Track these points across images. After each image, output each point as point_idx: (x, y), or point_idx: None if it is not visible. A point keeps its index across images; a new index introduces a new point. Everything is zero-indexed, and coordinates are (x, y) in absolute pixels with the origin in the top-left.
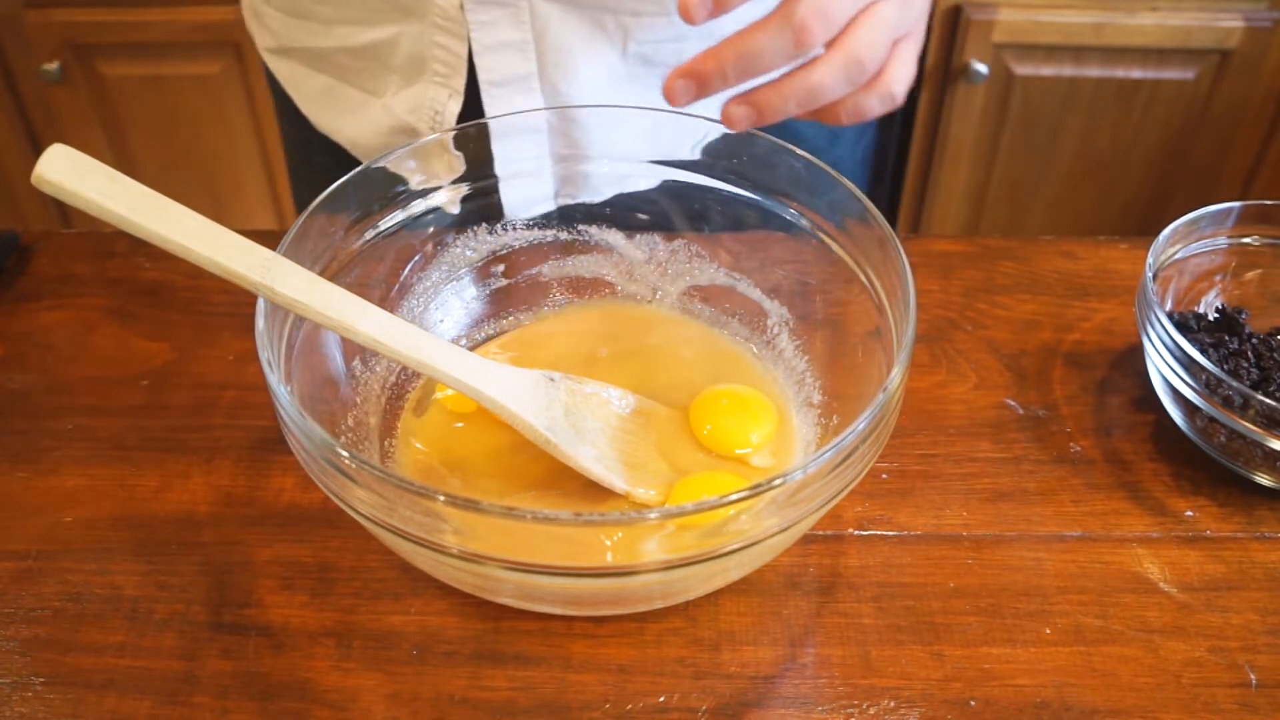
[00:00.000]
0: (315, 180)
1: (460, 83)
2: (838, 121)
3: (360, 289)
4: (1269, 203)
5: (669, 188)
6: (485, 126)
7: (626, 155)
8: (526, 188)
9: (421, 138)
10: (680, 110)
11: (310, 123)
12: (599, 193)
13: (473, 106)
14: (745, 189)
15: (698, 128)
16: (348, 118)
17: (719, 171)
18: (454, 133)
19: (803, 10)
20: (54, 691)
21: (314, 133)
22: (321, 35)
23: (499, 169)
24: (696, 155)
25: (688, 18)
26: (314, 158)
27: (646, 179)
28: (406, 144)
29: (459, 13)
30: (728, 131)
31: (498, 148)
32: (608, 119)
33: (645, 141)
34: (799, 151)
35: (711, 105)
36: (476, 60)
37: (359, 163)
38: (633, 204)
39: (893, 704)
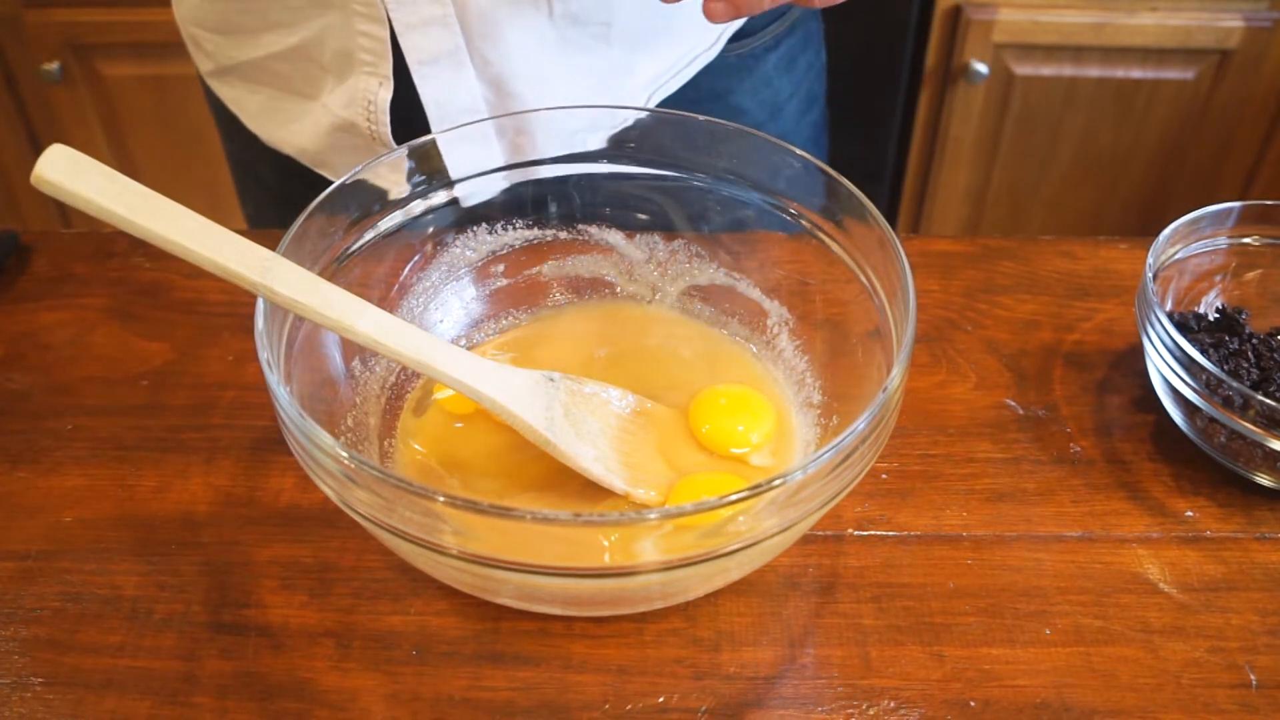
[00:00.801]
0: (263, 197)
1: (388, 68)
2: (811, 5)
3: (360, 289)
4: (1269, 203)
5: (661, 186)
6: (418, 107)
7: (570, 144)
8: (479, 184)
9: (360, 131)
10: (607, 105)
11: (255, 140)
12: (544, 172)
13: (404, 90)
14: (745, 189)
15: (619, 116)
16: (292, 126)
17: (625, 157)
18: (407, 148)
19: None
20: (54, 691)
21: (260, 149)
22: (252, 46)
23: (453, 174)
24: (603, 144)
25: (712, 18)
26: (261, 174)
27: (559, 167)
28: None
29: None
30: (641, 118)
31: (449, 158)
32: (550, 110)
33: (570, 128)
34: (798, 151)
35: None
36: (401, 41)
37: (306, 173)
38: (632, 204)
39: (892, 704)
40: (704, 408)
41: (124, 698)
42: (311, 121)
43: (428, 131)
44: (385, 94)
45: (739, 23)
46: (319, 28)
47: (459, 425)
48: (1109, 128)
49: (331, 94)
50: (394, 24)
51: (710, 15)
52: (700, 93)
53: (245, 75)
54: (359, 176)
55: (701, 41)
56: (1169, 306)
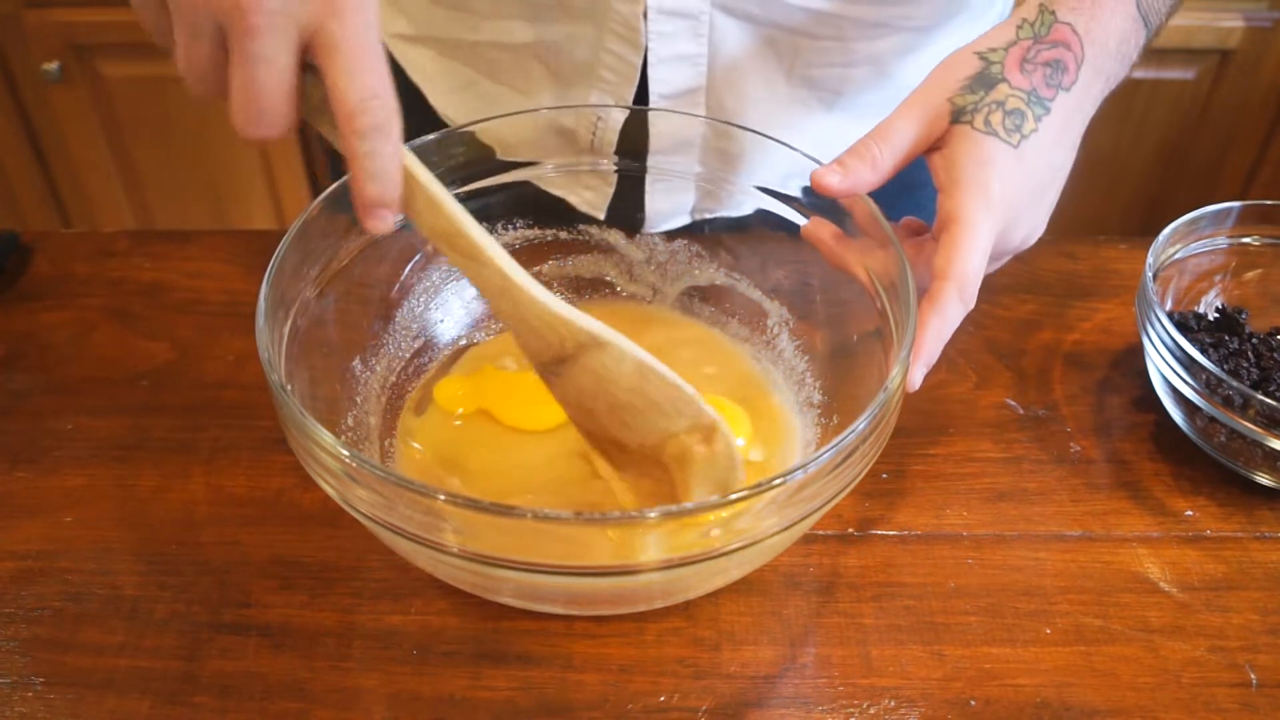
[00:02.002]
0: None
1: (629, 92)
2: None
3: (360, 288)
4: (1269, 203)
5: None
6: (646, 130)
7: (764, 180)
8: (671, 195)
9: (579, 140)
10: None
11: (435, 114)
12: (740, 207)
13: (633, 116)
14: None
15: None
16: (491, 114)
17: (810, 205)
18: (613, 120)
19: (971, 287)
20: (54, 691)
21: (438, 124)
22: (473, 29)
23: (650, 172)
24: (797, 192)
25: (823, 189)
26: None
27: (753, 202)
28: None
29: (639, 22)
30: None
31: (655, 150)
32: (762, 143)
33: (778, 170)
34: (800, 151)
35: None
36: (650, 71)
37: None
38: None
39: (893, 704)
40: None
41: (124, 697)
42: (519, 116)
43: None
44: (620, 115)
45: None
46: (563, 34)
47: (459, 425)
48: (1109, 128)
49: (551, 98)
50: (649, 53)
51: (913, 386)
52: None
53: (448, 51)
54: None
55: None
56: (1169, 306)
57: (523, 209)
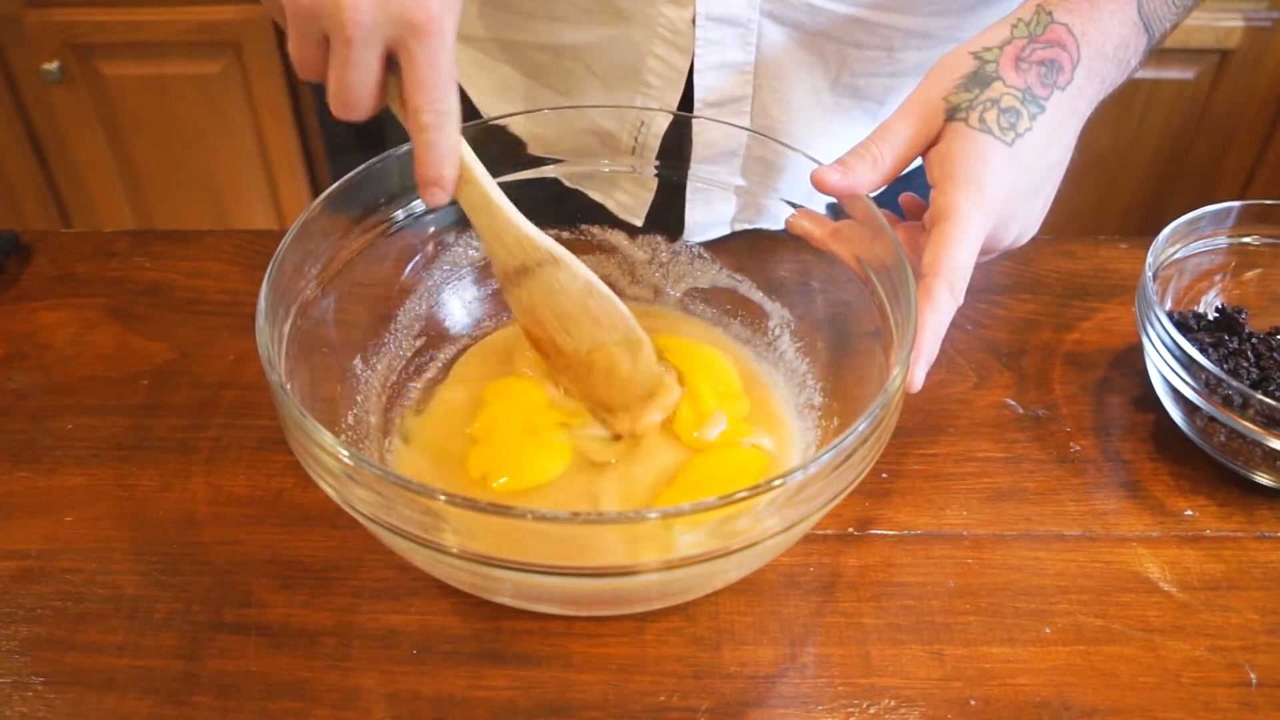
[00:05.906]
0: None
1: (674, 98)
2: None
3: (361, 288)
4: (1269, 202)
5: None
6: (688, 137)
7: (800, 196)
8: (712, 205)
9: (620, 144)
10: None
11: (475, 109)
12: (778, 220)
13: (675, 123)
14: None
15: None
16: (530, 112)
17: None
18: (657, 125)
19: (961, 282)
20: (54, 691)
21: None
22: (517, 28)
23: (691, 181)
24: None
25: (824, 187)
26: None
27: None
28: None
29: (688, 27)
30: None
31: (697, 159)
32: (806, 161)
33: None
34: (800, 152)
35: None
36: (697, 78)
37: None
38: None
39: (893, 703)
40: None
41: (124, 697)
42: (559, 116)
43: (670, 154)
44: (663, 120)
45: None
46: (608, 37)
47: (459, 424)
48: (1109, 128)
49: (594, 100)
50: (696, 60)
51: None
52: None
53: (491, 50)
54: (365, 173)
55: None
56: (1169, 306)
57: (536, 206)
